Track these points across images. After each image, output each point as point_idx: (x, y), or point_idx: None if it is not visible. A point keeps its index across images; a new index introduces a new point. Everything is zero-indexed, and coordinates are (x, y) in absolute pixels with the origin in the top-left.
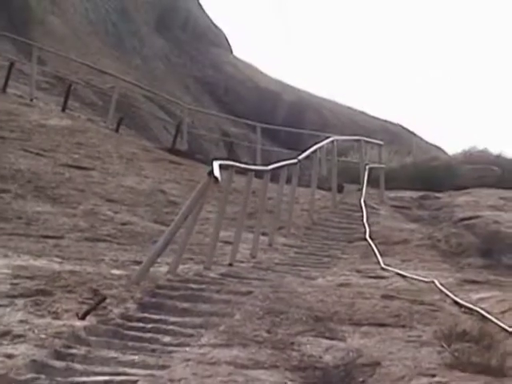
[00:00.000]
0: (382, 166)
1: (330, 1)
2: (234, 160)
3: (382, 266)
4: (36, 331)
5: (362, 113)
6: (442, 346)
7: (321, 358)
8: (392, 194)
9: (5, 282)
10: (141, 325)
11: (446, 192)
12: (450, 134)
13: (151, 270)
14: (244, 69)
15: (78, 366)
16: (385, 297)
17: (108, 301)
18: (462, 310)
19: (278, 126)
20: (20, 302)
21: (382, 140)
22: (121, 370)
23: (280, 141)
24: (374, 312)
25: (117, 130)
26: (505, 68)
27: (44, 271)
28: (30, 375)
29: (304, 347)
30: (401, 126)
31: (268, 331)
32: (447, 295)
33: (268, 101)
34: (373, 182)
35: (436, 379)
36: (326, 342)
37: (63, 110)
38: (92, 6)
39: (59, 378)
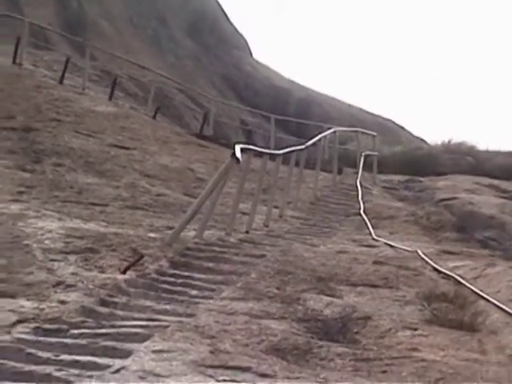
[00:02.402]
0: (375, 153)
1: (332, 3)
2: (251, 145)
3: (374, 237)
4: (85, 282)
5: (359, 109)
6: (423, 305)
7: (322, 311)
8: (383, 177)
9: (59, 241)
10: (172, 280)
11: (428, 177)
12: (432, 127)
13: (181, 234)
14: (261, 69)
15: (119, 313)
16: (376, 262)
17: (145, 259)
18: (441, 275)
19: (289, 117)
20: (72, 257)
21: (376, 132)
22: (155, 316)
23: (290, 130)
24: (367, 275)
25: (154, 117)
26: (491, 70)
27: (92, 233)
28: (79, 318)
29: (308, 302)
30: (391, 120)
31: (278, 288)
32: (428, 263)
33: (280, 96)
34: (367, 167)
35: (418, 332)
36: (326, 299)
37: (110, 98)
38: (135, 13)
39: (104, 322)
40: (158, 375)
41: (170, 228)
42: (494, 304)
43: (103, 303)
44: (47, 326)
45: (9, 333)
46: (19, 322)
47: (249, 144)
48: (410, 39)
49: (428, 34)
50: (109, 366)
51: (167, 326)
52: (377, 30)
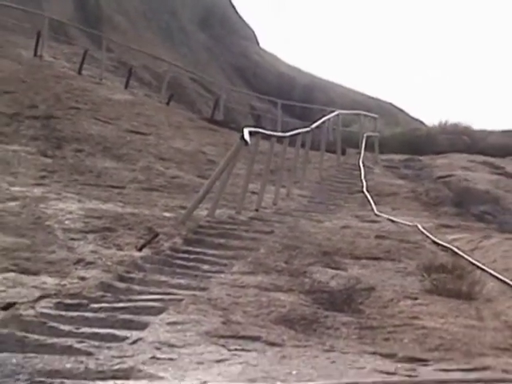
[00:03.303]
0: (377, 134)
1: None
2: (259, 128)
3: (376, 212)
4: (103, 259)
5: (360, 93)
6: (423, 276)
7: (328, 283)
8: (384, 156)
9: (79, 221)
10: (186, 256)
11: (426, 156)
12: (429, 109)
13: (194, 213)
14: (268, 57)
15: (136, 287)
16: (378, 237)
17: (160, 236)
18: (440, 248)
19: (294, 102)
20: (91, 236)
21: (376, 114)
22: (170, 290)
23: (295, 114)
24: (370, 248)
25: (168, 104)
26: (485, 50)
27: (110, 213)
28: (98, 293)
29: (314, 275)
30: (391, 103)
31: (286, 262)
32: (427, 236)
33: (286, 83)
34: (369, 147)
35: (418, 301)
36: (331, 272)
37: (125, 87)
38: (149, 7)
39: (122, 296)
40: (172, 346)
41: (184, 207)
42: (490, 274)
43: (121, 279)
44: (68, 300)
45: (33, 308)
46: (42, 297)
47: (257, 128)
48: (405, 25)
49: (422, 22)
50: (126, 338)
51: (181, 300)
52: (374, 17)
